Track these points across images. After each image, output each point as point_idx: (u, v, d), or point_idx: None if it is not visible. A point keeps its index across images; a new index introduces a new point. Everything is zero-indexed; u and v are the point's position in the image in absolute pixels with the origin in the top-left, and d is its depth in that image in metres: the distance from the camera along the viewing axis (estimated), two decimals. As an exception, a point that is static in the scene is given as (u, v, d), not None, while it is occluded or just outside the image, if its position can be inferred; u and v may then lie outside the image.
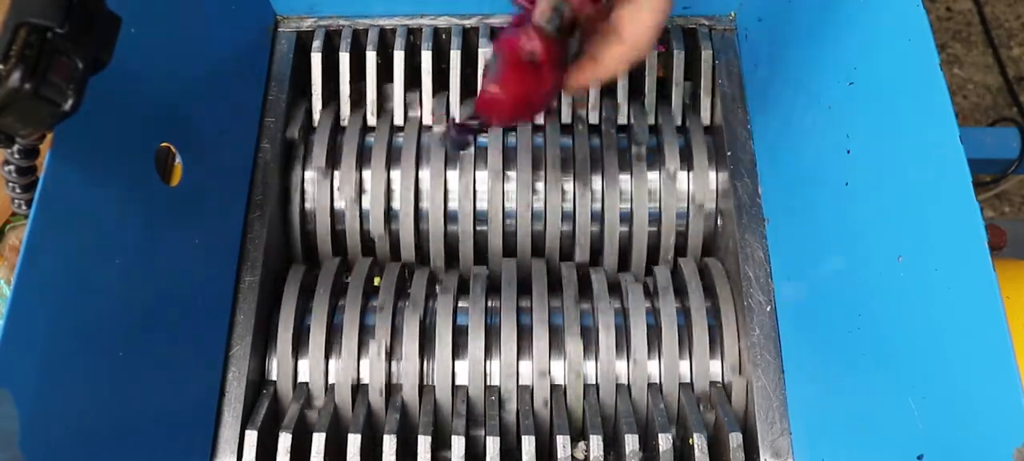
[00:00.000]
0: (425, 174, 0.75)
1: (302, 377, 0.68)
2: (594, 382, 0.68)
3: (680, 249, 0.76)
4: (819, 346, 0.61)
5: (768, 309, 0.66)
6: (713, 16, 0.79)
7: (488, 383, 0.68)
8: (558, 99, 0.78)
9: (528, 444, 0.63)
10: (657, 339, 0.68)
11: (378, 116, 0.78)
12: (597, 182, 0.74)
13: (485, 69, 0.53)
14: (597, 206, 0.74)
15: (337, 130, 0.77)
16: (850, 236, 0.59)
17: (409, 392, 0.67)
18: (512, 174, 0.74)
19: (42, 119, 0.46)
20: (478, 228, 0.75)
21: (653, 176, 0.74)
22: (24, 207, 0.50)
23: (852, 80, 0.61)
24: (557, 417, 0.65)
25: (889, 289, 0.53)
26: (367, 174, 0.75)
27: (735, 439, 0.62)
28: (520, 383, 0.67)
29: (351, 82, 0.78)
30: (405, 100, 0.78)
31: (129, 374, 0.55)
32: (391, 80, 0.78)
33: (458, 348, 0.68)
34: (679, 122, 0.77)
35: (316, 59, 0.78)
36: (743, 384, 0.66)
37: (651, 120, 0.77)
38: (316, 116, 0.78)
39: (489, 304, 0.70)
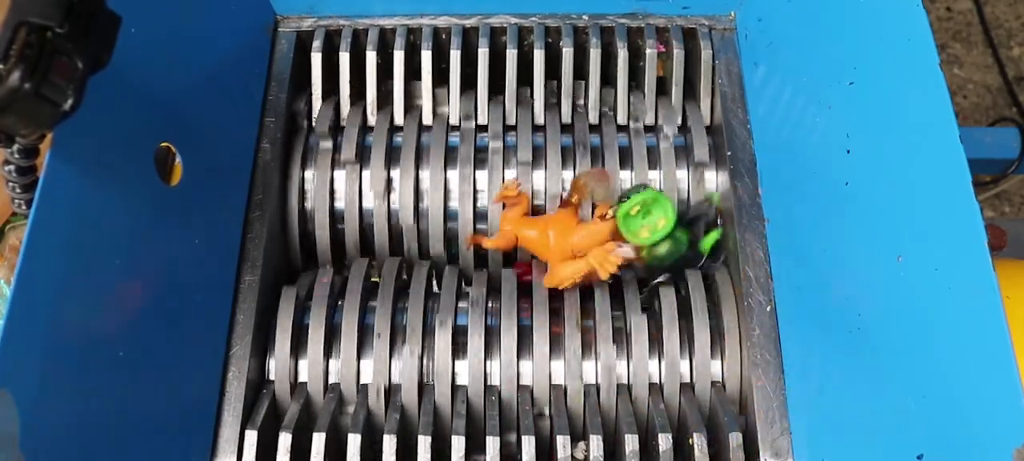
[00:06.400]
0: (425, 173, 0.75)
1: (302, 377, 0.68)
2: (594, 382, 0.68)
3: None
4: (819, 346, 0.61)
5: (768, 309, 0.66)
6: (713, 16, 0.79)
7: (488, 383, 0.68)
8: (558, 95, 0.78)
9: (528, 444, 0.63)
10: (657, 339, 0.68)
11: (377, 116, 0.78)
12: (597, 182, 0.74)
13: None
14: (597, 206, 0.75)
15: (337, 130, 0.77)
16: (850, 236, 0.59)
17: (409, 392, 0.67)
18: (512, 173, 0.74)
19: (42, 119, 0.46)
20: (478, 227, 0.75)
21: (653, 175, 0.74)
22: (24, 207, 0.50)
23: (852, 80, 0.61)
24: (557, 417, 0.65)
25: (889, 289, 0.53)
26: (367, 174, 0.75)
27: (735, 439, 0.62)
28: (520, 383, 0.67)
29: (351, 82, 0.78)
30: (405, 100, 0.78)
31: (129, 374, 0.55)
32: (391, 80, 0.78)
33: (458, 348, 0.68)
34: (679, 122, 0.77)
35: (316, 59, 0.78)
36: (743, 384, 0.66)
37: (650, 120, 0.77)
38: (316, 116, 0.78)
39: (489, 304, 0.70)
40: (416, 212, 0.74)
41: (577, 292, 0.70)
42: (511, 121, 0.77)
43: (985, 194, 1.50)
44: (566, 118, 0.77)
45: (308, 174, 0.76)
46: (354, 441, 0.64)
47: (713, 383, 0.67)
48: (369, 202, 0.75)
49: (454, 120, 0.77)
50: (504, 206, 0.73)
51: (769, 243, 0.68)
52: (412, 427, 0.66)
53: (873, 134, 0.58)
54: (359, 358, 0.68)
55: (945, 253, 0.48)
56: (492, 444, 0.63)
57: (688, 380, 0.68)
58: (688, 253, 0.69)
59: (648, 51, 0.77)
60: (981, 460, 0.44)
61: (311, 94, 0.78)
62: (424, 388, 0.67)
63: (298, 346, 0.69)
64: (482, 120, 0.77)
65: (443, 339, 0.67)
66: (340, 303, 0.70)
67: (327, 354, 0.68)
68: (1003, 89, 1.76)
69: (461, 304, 0.71)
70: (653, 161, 0.75)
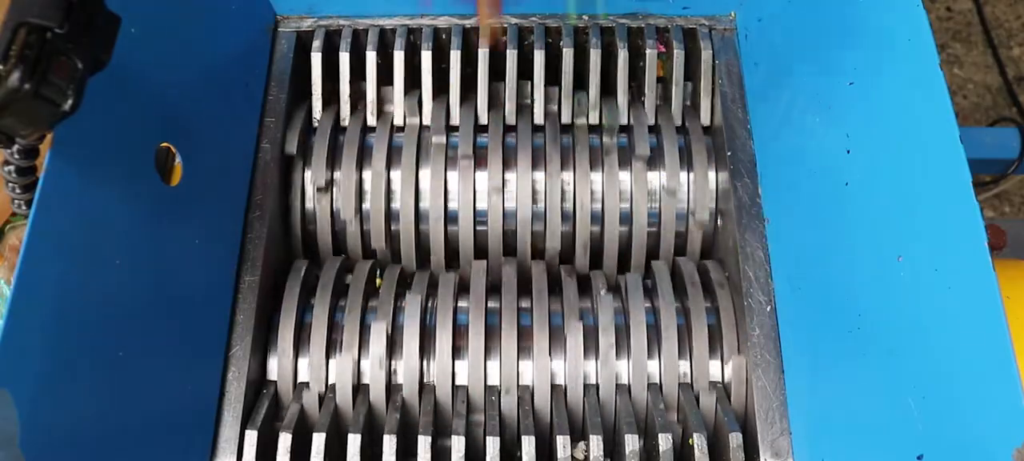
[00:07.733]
0: (425, 174, 0.75)
1: (302, 377, 0.68)
2: (594, 382, 0.68)
3: (680, 249, 0.76)
4: (819, 346, 0.61)
5: (768, 309, 0.66)
6: (713, 16, 0.79)
7: (488, 383, 0.68)
8: (559, 100, 0.78)
9: (528, 444, 0.63)
10: (657, 339, 0.68)
11: (378, 116, 0.78)
12: (597, 182, 0.74)
13: None
14: (597, 206, 0.74)
15: (337, 130, 0.77)
16: (850, 236, 0.59)
17: (409, 392, 0.67)
18: (512, 176, 0.74)
19: (42, 119, 0.46)
20: (478, 228, 0.75)
21: (653, 176, 0.74)
22: (24, 207, 0.50)
23: (852, 80, 0.61)
24: (557, 417, 0.65)
25: (889, 289, 0.53)
26: (367, 174, 0.75)
27: (735, 439, 0.62)
28: (520, 383, 0.67)
29: (351, 82, 0.78)
30: (405, 100, 0.78)
31: (129, 374, 0.55)
32: (391, 80, 0.78)
33: (458, 348, 0.68)
34: (679, 122, 0.77)
35: (316, 59, 0.78)
36: (743, 384, 0.66)
37: (651, 121, 0.77)
38: (316, 116, 0.78)
39: (489, 304, 0.70)
40: (416, 213, 0.74)
41: (577, 291, 0.70)
42: (511, 121, 0.77)
43: (985, 194, 1.50)
44: (566, 118, 0.77)
45: (308, 174, 0.76)
46: (354, 441, 0.64)
47: (713, 383, 0.67)
48: (368, 203, 0.75)
49: (454, 120, 0.77)
50: None
51: (769, 243, 0.68)
52: (412, 427, 0.66)
53: (873, 134, 0.58)
54: (359, 358, 0.68)
55: (945, 253, 0.48)
56: (492, 444, 0.63)
57: (688, 380, 0.68)
58: None
59: (648, 51, 0.77)
60: (981, 460, 0.44)
61: (311, 94, 0.78)
62: (424, 388, 0.67)
63: (299, 346, 0.69)
64: (482, 120, 0.77)
65: (443, 339, 0.67)
66: (341, 303, 0.70)
67: (328, 354, 0.68)
68: (1003, 89, 1.76)
69: (461, 304, 0.71)
70: (652, 161, 0.75)
